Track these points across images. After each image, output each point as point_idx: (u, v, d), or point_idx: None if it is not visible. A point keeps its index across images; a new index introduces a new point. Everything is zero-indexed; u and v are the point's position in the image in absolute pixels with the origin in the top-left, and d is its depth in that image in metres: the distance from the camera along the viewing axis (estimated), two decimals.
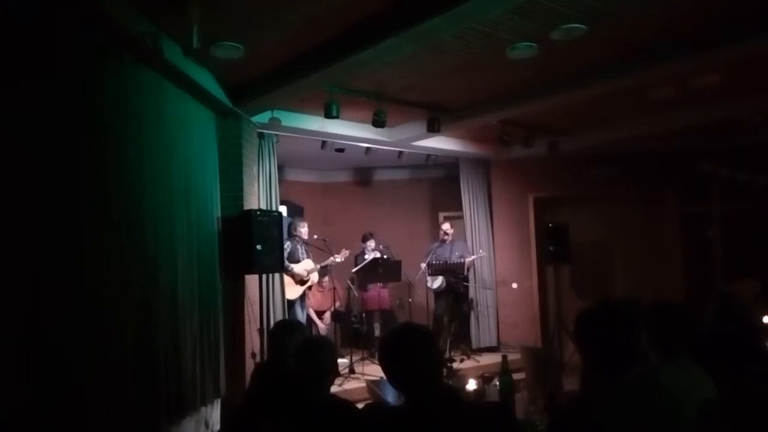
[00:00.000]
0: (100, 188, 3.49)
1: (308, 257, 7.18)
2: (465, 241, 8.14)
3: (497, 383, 3.38)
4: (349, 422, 2.29)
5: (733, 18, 4.11)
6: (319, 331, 7.31)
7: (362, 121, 6.25)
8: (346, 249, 7.30)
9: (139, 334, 3.80)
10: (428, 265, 7.49)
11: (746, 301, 4.23)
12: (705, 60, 4.64)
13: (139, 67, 3.99)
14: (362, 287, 7.81)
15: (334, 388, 2.62)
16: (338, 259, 7.19)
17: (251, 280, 5.61)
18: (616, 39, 4.44)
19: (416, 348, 1.91)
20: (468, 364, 7.28)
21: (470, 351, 7.83)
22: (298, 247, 7.11)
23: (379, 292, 7.75)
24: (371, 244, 7.80)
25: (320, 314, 7.58)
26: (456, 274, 7.56)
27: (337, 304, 7.67)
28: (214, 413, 5.01)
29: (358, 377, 6.51)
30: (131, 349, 3.68)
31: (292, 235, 7.13)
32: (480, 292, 8.19)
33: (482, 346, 8.06)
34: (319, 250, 7.27)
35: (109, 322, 3.48)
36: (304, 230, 7.21)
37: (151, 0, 3.52)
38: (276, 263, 5.60)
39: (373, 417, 2.05)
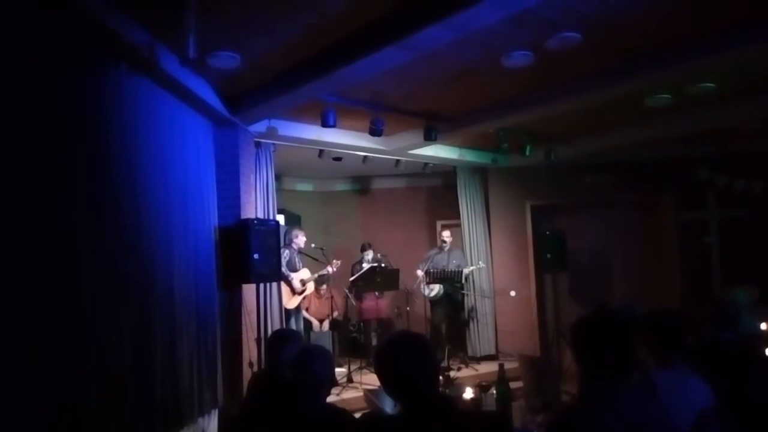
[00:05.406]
0: (95, 197, 3.48)
1: (302, 266, 7.15)
2: (462, 250, 8.14)
3: (494, 392, 3.38)
4: (347, 431, 2.28)
5: (727, 23, 4.13)
6: (313, 329, 7.41)
7: (359, 129, 6.26)
8: (338, 260, 7.23)
9: (136, 343, 3.79)
10: (426, 273, 7.48)
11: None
12: (700, 66, 4.65)
13: (136, 77, 3.99)
14: (358, 297, 7.80)
15: (331, 398, 2.61)
16: (331, 269, 7.14)
17: (248, 290, 5.60)
18: (610, 46, 4.46)
19: (412, 357, 1.90)
20: (466, 372, 7.26)
21: (468, 359, 7.82)
22: (295, 256, 7.07)
23: (377, 302, 7.72)
24: (369, 254, 7.79)
25: (318, 322, 7.59)
26: (453, 283, 7.55)
27: (335, 313, 7.66)
28: (211, 423, 4.98)
29: (356, 386, 6.48)
30: (128, 359, 3.66)
31: (288, 244, 7.07)
32: (478, 301, 8.18)
33: (480, 354, 8.04)
34: (312, 259, 7.22)
35: (105, 333, 3.46)
36: (301, 239, 7.14)
37: (147, 10, 3.53)
38: (273, 272, 5.59)
39: (370, 426, 2.04)
